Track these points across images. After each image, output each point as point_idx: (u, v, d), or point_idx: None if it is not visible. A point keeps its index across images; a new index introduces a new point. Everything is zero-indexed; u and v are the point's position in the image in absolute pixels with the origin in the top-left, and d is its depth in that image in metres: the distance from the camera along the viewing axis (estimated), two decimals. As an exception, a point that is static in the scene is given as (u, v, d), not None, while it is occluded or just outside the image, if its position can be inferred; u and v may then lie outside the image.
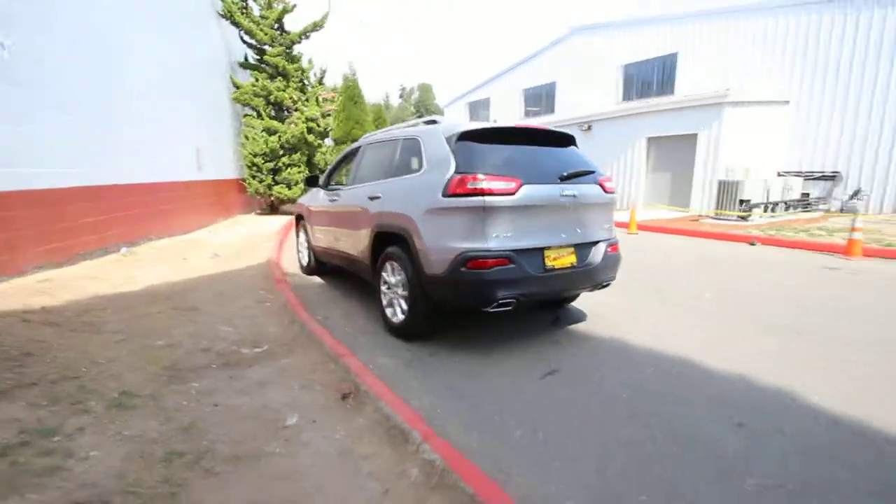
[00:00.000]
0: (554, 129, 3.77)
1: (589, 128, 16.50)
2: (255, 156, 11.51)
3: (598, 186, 3.60)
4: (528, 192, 3.14)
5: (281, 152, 11.85)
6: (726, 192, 11.65)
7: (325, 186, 5.28)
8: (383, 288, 3.85)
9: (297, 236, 6.28)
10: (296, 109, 12.26)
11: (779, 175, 13.05)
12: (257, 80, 11.68)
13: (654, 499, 1.85)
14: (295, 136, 11.96)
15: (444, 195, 3.13)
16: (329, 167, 5.49)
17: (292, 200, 12.65)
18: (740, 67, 14.73)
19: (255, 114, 11.80)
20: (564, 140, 3.81)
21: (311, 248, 5.73)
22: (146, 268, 5.74)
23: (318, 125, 12.61)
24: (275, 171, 11.98)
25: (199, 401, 2.55)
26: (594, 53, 19.31)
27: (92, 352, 3.12)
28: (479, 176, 3.05)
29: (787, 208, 12.13)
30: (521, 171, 3.22)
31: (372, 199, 3.93)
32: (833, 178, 13.16)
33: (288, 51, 12.10)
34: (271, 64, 11.74)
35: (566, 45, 20.52)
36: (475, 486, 1.69)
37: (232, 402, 2.55)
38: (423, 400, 2.60)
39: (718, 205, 11.87)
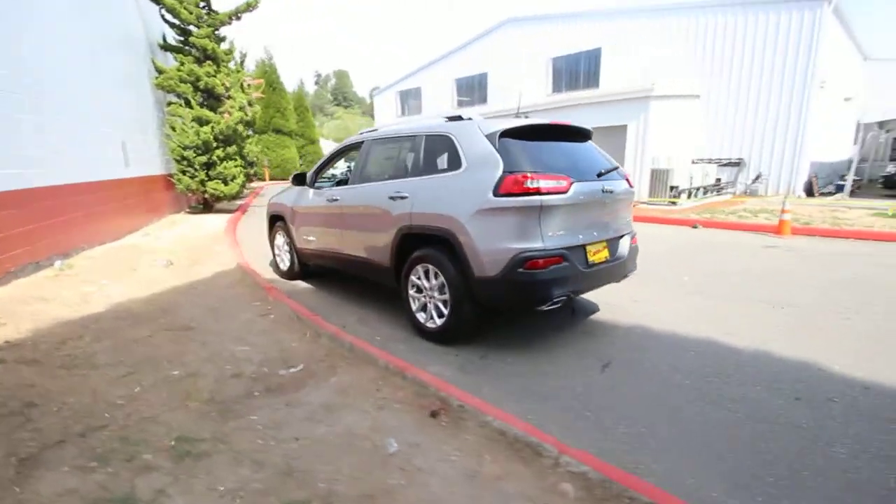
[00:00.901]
0: (578, 125, 3.82)
1: (526, 117, 16.96)
2: (184, 149, 10.34)
3: (624, 181, 3.73)
4: (577, 189, 3.17)
5: (214, 144, 10.79)
6: (658, 179, 12.72)
7: (313, 185, 4.91)
8: (412, 292, 3.68)
9: (273, 239, 5.77)
10: (229, 97, 11.20)
11: (693, 163, 14.48)
12: (183, 64, 10.46)
13: (779, 476, 1.99)
14: (230, 126, 10.96)
15: (497, 195, 3.05)
16: (317, 164, 5.10)
17: (231, 197, 11.66)
18: (657, 63, 16.03)
19: (181, 102, 10.57)
20: (587, 136, 3.89)
21: (294, 250, 5.30)
22: (95, 283, 4.95)
23: (247, 114, 11.66)
24: (208, 166, 10.88)
25: (275, 437, 2.26)
26: (525, 45, 19.85)
27: (102, 392, 2.63)
28: (535, 175, 3.01)
29: (705, 193, 13.55)
30: (567, 169, 3.25)
31: (394, 198, 3.72)
32: (738, 164, 14.89)
33: (216, 32, 10.99)
34: (198, 46, 10.58)
35: (497, 35, 20.86)
36: (649, 495, 1.70)
37: (312, 434, 2.30)
38: (511, 407, 2.54)
39: (651, 191, 12.93)
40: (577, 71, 18.73)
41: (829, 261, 5.95)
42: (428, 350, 3.42)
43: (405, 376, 2.78)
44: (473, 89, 22.53)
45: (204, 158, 10.59)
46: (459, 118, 3.69)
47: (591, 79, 18.33)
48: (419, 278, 3.60)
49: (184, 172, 10.55)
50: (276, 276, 5.64)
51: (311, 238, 4.95)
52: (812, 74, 13.21)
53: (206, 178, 10.87)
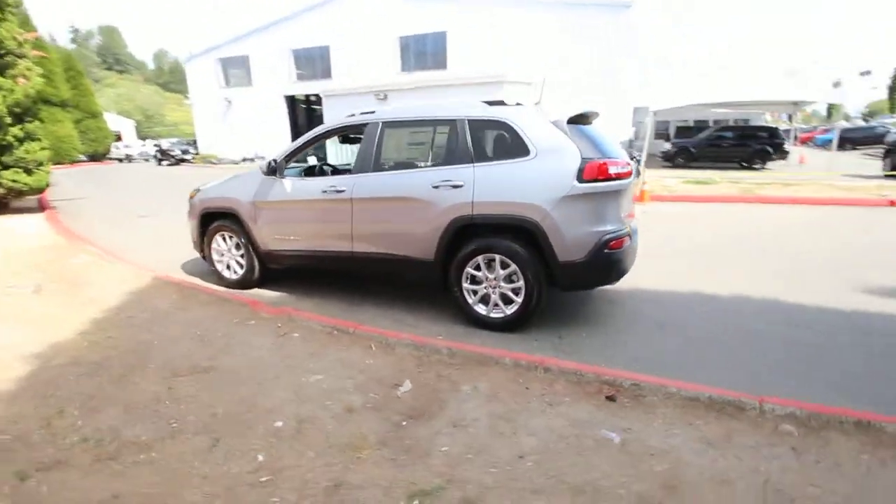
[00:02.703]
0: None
1: (385, 97, 16.73)
2: (-41, 126, 7.31)
3: (635, 162, 4.21)
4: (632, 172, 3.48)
5: (9, 120, 7.88)
6: None
7: (284, 173, 4.14)
8: (466, 285, 3.54)
9: (209, 243, 4.65)
10: (22, 56, 8.21)
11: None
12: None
13: (832, 377, 2.70)
14: (28, 95, 8.15)
15: (581, 181, 3.15)
16: (290, 149, 4.27)
17: (39, 191, 8.77)
18: (501, 50, 17.53)
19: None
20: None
21: (256, 253, 4.41)
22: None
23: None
24: (1, 149, 7.93)
25: (496, 463, 2.03)
26: (371, 20, 19.31)
27: (234, 477, 1.93)
28: (612, 161, 3.21)
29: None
30: (617, 153, 3.51)
31: (441, 187, 3.45)
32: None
33: (-10, -40, 7.85)
34: (-37, -23, 7.43)
35: (340, 5, 19.72)
36: (854, 415, 2.16)
37: (527, 447, 2.14)
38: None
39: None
40: (425, 52, 19.16)
41: (705, 219, 7.70)
42: (506, 339, 3.37)
43: (547, 369, 2.74)
44: (314, 62, 21.05)
45: (-5, 139, 7.67)
46: (502, 103, 3.60)
47: (439, 61, 18.99)
48: (477, 269, 3.48)
49: (-39, 160, 7.47)
50: (219, 288, 4.60)
51: (291, 237, 4.19)
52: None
53: (1, 167, 7.93)
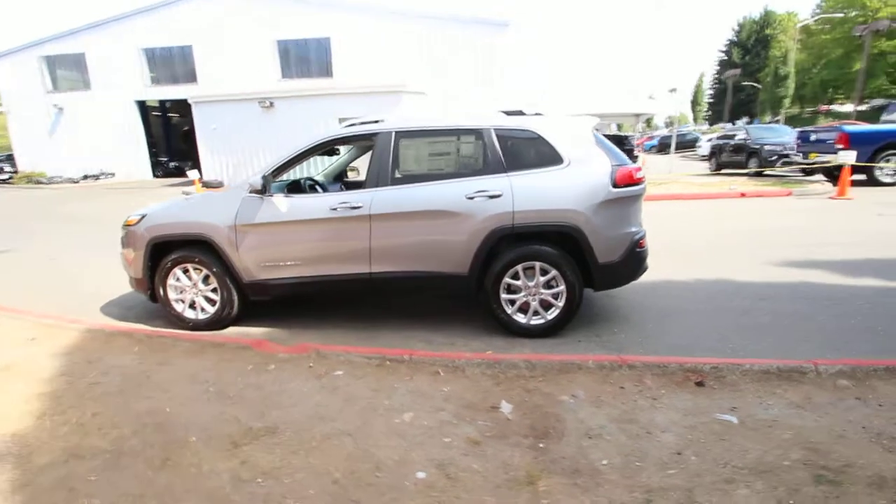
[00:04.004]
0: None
1: (271, 105, 15.49)
2: None
3: None
4: (640, 176, 3.80)
5: None
6: None
7: (272, 190, 3.63)
8: (505, 296, 3.50)
9: (163, 280, 3.80)
10: None
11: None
12: None
13: (820, 344, 3.35)
14: None
15: (615, 186, 3.35)
16: (275, 164, 3.71)
17: None
18: (387, 60, 17.53)
19: None
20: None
21: (237, 285, 3.76)
22: None
23: None
24: None
25: (637, 474, 2.08)
26: (242, 20, 17.71)
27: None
28: (636, 167, 3.48)
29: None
30: (628, 160, 3.81)
31: (476, 198, 3.36)
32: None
33: None
34: None
35: (201, 3, 17.71)
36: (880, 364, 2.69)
37: (671, 447, 2.22)
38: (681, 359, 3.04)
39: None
40: (308, 58, 18.25)
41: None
42: (552, 345, 3.41)
43: (631, 366, 2.85)
44: (174, 64, 18.55)
45: None
46: (521, 112, 3.65)
47: (325, 68, 18.26)
48: (514, 278, 3.47)
49: None
50: (190, 332, 3.82)
51: (287, 263, 3.66)
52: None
53: None
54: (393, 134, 3.59)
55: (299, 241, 3.63)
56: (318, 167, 5.44)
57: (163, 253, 3.83)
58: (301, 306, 4.34)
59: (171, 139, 23.61)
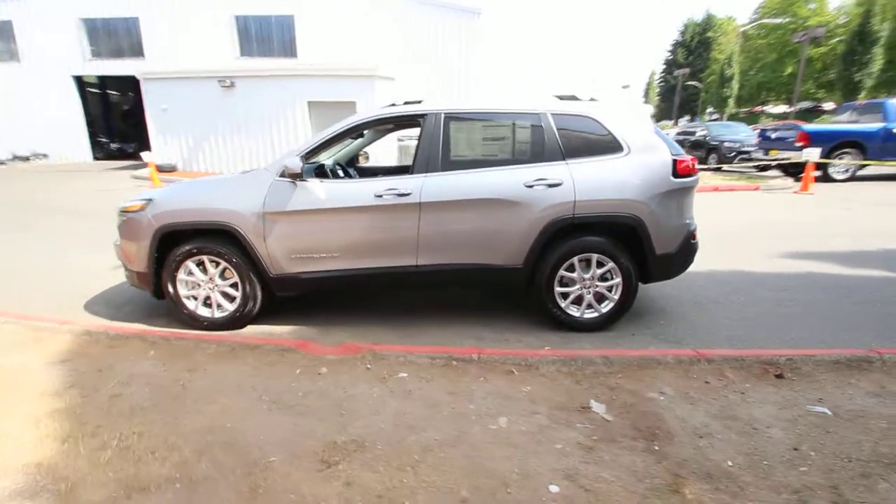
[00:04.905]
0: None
1: (232, 84, 14.43)
2: None
3: None
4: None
5: None
6: (405, 153, 13.93)
7: (306, 175, 3.27)
8: (558, 289, 3.36)
9: (173, 275, 3.36)
10: None
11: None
12: None
13: (863, 331, 3.49)
14: None
15: (675, 176, 3.28)
16: (311, 144, 3.33)
17: None
18: (354, 43, 16.83)
19: None
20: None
21: (261, 279, 3.38)
22: None
23: None
24: None
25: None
26: (196, -8, 16.36)
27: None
28: (692, 157, 3.42)
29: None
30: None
31: (535, 186, 3.18)
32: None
33: None
34: None
35: (150, -30, 16.18)
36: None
37: (785, 443, 2.17)
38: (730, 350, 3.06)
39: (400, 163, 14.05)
40: (270, 36, 17.17)
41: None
42: (608, 338, 3.33)
43: (710, 360, 2.80)
44: (118, 37, 16.88)
45: None
46: (575, 98, 3.49)
47: (288, 48, 17.28)
48: (569, 270, 3.34)
49: None
50: (214, 332, 3.40)
51: (322, 255, 3.32)
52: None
53: None
54: (442, 116, 3.33)
55: (338, 231, 3.30)
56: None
57: (172, 244, 3.37)
58: (314, 301, 4.00)
59: (112, 119, 21.54)
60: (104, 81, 19.40)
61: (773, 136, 12.44)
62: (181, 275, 3.40)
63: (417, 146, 3.33)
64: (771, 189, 10.83)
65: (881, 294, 4.13)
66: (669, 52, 61.89)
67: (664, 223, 3.29)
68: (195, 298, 3.47)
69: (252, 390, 2.57)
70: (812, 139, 10.81)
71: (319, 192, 3.27)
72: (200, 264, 3.41)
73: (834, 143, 10.94)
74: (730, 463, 2.03)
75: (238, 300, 3.43)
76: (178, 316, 3.49)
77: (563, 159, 3.27)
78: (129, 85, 20.57)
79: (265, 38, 17.08)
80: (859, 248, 5.57)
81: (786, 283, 4.50)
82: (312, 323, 3.61)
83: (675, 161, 3.29)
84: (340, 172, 4.19)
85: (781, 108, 43.99)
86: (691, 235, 3.45)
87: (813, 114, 37.84)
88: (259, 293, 3.45)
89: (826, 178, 11.13)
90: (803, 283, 4.50)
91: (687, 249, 3.45)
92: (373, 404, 2.45)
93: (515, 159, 3.34)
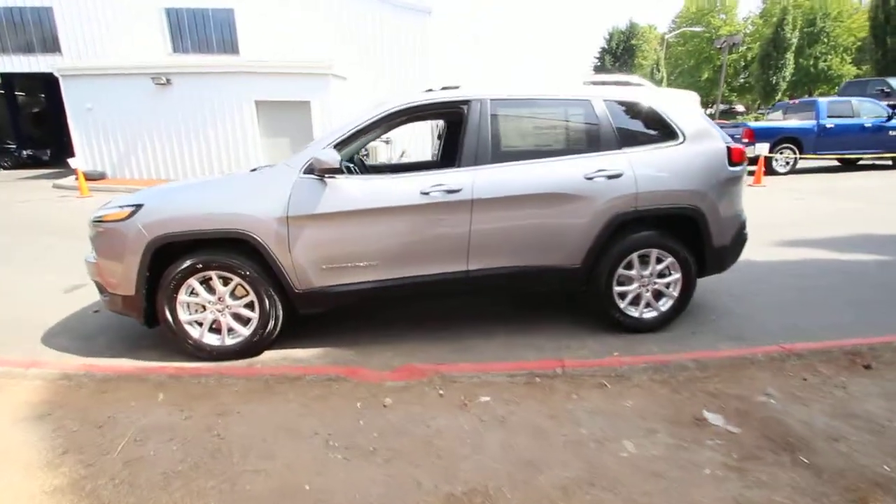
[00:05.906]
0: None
1: (168, 81, 13.10)
2: None
3: None
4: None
5: None
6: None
7: (339, 170, 2.80)
8: (618, 289, 3.12)
9: (172, 297, 2.75)
10: None
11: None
12: None
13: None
14: None
15: (731, 165, 3.15)
16: (338, 136, 2.84)
17: None
18: (304, 41, 15.96)
19: None
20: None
21: (284, 296, 2.85)
22: None
23: None
24: None
25: None
26: (118, -20, 14.75)
27: None
28: (741, 145, 3.31)
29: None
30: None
31: (595, 178, 2.91)
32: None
33: None
34: None
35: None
36: None
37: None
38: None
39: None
40: (208, 31, 15.85)
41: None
42: (671, 338, 3.13)
43: (800, 355, 2.66)
44: (27, 29, 14.80)
45: None
46: (627, 83, 3.27)
47: (228, 44, 16.05)
48: (628, 268, 3.11)
49: None
50: (215, 364, 2.81)
51: (360, 264, 2.85)
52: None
53: None
54: (489, 103, 2.98)
55: (378, 236, 2.84)
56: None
57: (169, 258, 2.75)
58: (326, 315, 3.50)
59: (21, 123, 18.88)
60: (9, 80, 16.97)
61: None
62: (182, 296, 2.78)
63: (463, 136, 2.95)
64: (726, 183, 11.42)
65: (884, 277, 4.28)
66: (597, 58, 65.11)
67: (722, 214, 3.15)
68: (199, 324, 2.87)
69: (314, 435, 2.08)
70: (756, 136, 11.54)
71: (355, 190, 2.80)
72: (205, 281, 2.81)
73: (775, 139, 11.76)
74: (886, 468, 1.85)
75: (255, 322, 2.87)
76: (178, 346, 2.86)
77: (619, 148, 3.03)
78: (41, 84, 18.26)
79: (202, 32, 15.73)
80: (835, 235, 5.82)
81: (796, 269, 4.56)
82: (340, 342, 3.12)
83: (729, 149, 3.16)
84: (358, 170, 3.71)
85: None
86: (743, 226, 3.34)
87: (729, 115, 41.25)
88: (280, 312, 2.91)
89: (770, 171, 11.94)
90: (812, 269, 4.58)
91: (739, 241, 3.33)
92: (468, 439, 2.06)
93: (570, 149, 3.05)
